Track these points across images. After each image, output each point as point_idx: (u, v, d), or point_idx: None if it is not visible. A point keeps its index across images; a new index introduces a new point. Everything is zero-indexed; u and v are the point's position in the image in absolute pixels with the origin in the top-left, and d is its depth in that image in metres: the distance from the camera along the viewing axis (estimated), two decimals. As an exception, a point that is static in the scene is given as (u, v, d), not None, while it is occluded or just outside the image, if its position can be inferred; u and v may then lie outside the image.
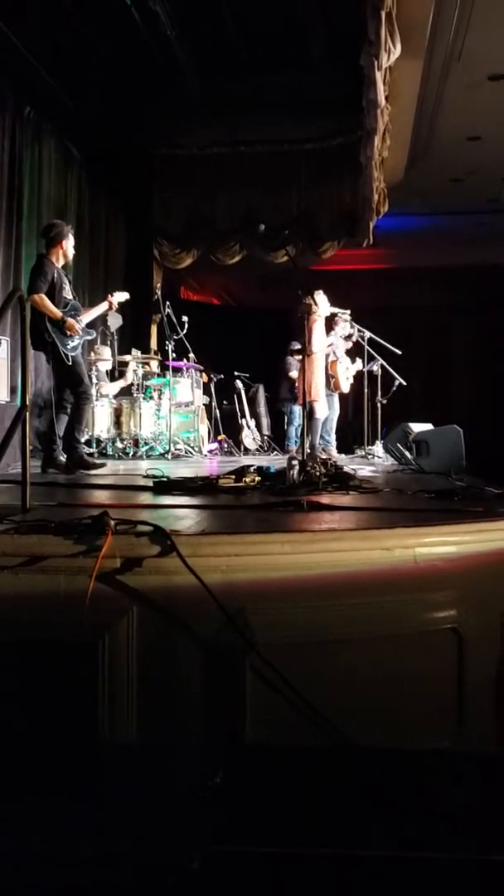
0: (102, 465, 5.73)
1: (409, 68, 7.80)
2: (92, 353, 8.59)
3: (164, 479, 4.42)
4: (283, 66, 9.34)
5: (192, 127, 10.31)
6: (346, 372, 9.21)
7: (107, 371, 8.97)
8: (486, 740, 2.67)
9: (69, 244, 6.00)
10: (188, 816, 1.94)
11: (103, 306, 6.48)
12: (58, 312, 5.72)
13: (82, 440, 6.06)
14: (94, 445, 8.07)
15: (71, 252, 6.06)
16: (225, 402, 11.08)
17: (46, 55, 8.13)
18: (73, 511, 2.99)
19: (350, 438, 10.26)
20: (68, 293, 5.97)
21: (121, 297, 6.59)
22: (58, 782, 2.26)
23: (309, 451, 5.97)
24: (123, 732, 2.37)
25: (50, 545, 2.44)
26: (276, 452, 10.45)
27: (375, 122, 7.75)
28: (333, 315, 8.85)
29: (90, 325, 6.30)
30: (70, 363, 5.78)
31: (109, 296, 6.56)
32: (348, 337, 9.19)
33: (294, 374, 9.69)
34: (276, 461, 7.07)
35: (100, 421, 8.36)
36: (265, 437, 11.33)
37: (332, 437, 9.20)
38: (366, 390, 9.14)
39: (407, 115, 9.01)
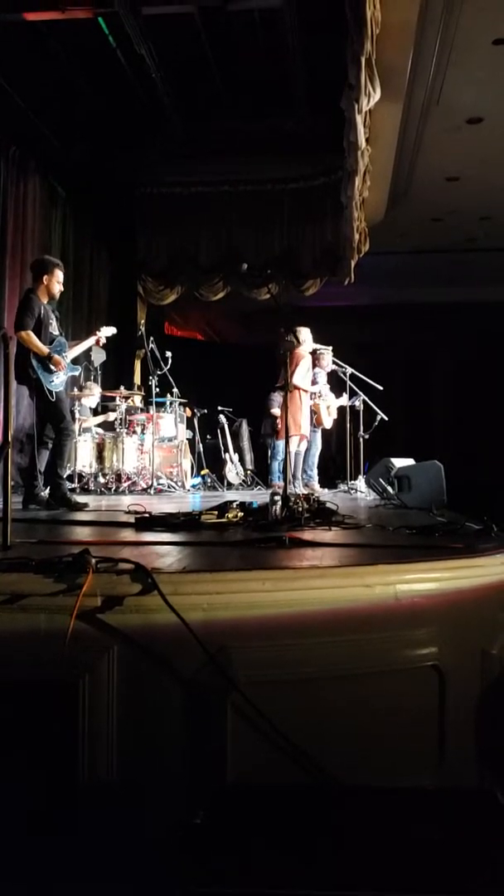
0: (85, 506, 5.71)
1: (388, 111, 7.98)
2: (75, 389, 8.59)
3: (146, 515, 4.42)
4: (266, 108, 9.48)
5: (176, 166, 10.47)
6: (329, 408, 9.28)
7: (90, 407, 8.98)
8: (466, 777, 2.66)
9: (54, 280, 5.96)
10: (169, 857, 1.92)
11: (90, 341, 6.49)
12: (44, 349, 5.73)
13: (64, 476, 6.04)
14: (77, 480, 8.04)
15: (57, 288, 6.02)
16: (208, 436, 11.09)
17: (32, 94, 8.26)
18: (54, 548, 2.97)
19: (333, 473, 10.29)
20: (55, 329, 5.98)
21: (108, 331, 6.59)
22: (37, 824, 2.23)
23: (292, 484, 5.97)
24: (104, 772, 2.35)
25: (30, 583, 2.43)
26: (259, 487, 10.45)
27: (356, 163, 7.90)
28: (315, 351, 8.94)
29: (74, 361, 6.30)
30: (53, 399, 5.79)
31: (97, 330, 6.56)
32: (330, 373, 9.28)
33: (276, 410, 9.67)
34: (259, 496, 7.08)
35: (82, 456, 8.34)
36: (249, 472, 11.32)
37: (315, 472, 9.24)
38: (348, 425, 9.20)
39: (387, 156, 9.19)
